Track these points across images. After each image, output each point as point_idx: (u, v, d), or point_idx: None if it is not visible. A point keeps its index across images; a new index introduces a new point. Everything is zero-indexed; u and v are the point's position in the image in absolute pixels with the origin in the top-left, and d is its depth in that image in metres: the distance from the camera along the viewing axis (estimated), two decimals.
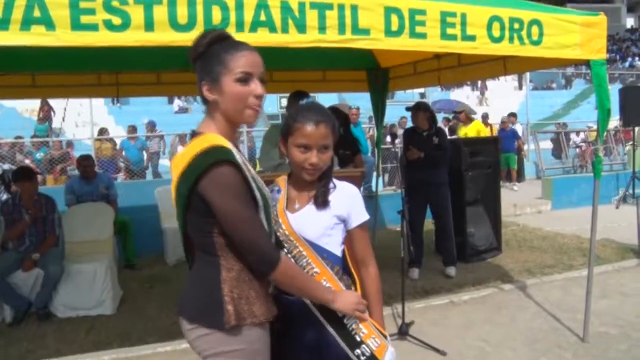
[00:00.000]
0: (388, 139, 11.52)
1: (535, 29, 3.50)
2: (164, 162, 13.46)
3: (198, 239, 1.73)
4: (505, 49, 3.45)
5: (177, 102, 19.86)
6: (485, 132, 10.00)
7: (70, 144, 12.45)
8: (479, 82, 24.16)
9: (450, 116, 16.01)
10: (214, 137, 1.66)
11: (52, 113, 15.44)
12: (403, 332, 4.17)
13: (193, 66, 1.74)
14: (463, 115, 9.64)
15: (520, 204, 9.95)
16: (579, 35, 3.67)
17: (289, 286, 1.75)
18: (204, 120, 1.75)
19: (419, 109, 5.78)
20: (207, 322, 1.67)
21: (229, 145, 1.65)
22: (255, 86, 1.68)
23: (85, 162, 6.52)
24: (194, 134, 1.72)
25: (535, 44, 3.52)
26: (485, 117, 13.88)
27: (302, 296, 1.81)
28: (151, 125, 13.60)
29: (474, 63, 5.23)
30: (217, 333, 1.66)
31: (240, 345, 1.68)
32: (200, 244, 1.74)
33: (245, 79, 1.66)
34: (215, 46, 1.69)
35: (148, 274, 6.40)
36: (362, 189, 6.09)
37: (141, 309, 5.13)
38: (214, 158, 1.59)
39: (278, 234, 1.89)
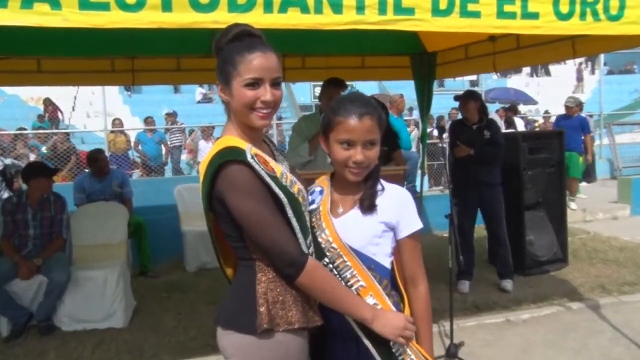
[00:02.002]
0: (435, 132, 11.41)
1: (614, 1, 3.25)
2: (185, 157, 13.59)
3: (232, 245, 1.85)
4: (575, 27, 3.25)
5: (200, 91, 20.07)
6: None
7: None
8: (575, 66, 23.43)
9: (507, 106, 15.74)
10: (228, 140, 1.81)
11: (60, 114, 15.52)
12: (451, 354, 4.11)
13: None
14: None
15: (591, 208, 9.68)
16: None
17: (319, 294, 1.77)
18: (226, 122, 1.91)
19: (468, 98, 5.70)
20: (238, 326, 1.76)
21: (244, 145, 1.78)
22: (264, 91, 1.78)
23: (97, 156, 6.64)
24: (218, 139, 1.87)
25: (614, 19, 3.28)
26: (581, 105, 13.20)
27: (335, 308, 1.80)
28: (172, 116, 13.74)
29: (536, 45, 5.10)
30: (248, 337, 1.74)
31: (271, 353, 1.73)
32: (235, 250, 1.86)
33: (254, 84, 1.77)
34: (230, 45, 1.80)
35: (165, 282, 6.49)
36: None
37: (156, 321, 5.19)
38: (223, 159, 1.73)
39: (320, 240, 1.90)
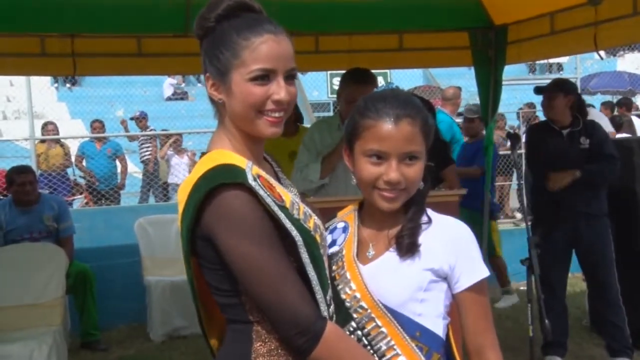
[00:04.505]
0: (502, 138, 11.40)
1: None
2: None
3: (221, 302, 1.87)
4: None
5: (169, 82, 20.04)
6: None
7: None
8: None
9: (615, 100, 15.59)
10: (220, 155, 1.83)
11: None
12: None
13: (200, 46, 1.91)
14: None
15: None
16: None
17: None
18: (215, 131, 1.95)
19: (556, 91, 5.67)
20: None
21: (243, 163, 1.80)
22: (278, 87, 1.81)
23: (21, 178, 6.65)
24: (203, 154, 1.90)
25: None
26: None
27: None
28: (142, 121, 13.70)
29: None
30: None
31: None
32: (224, 309, 1.88)
33: (264, 77, 1.80)
34: (226, 23, 1.81)
35: (120, 357, 6.48)
36: None
37: None
38: (215, 182, 1.72)
39: (344, 296, 1.92)
